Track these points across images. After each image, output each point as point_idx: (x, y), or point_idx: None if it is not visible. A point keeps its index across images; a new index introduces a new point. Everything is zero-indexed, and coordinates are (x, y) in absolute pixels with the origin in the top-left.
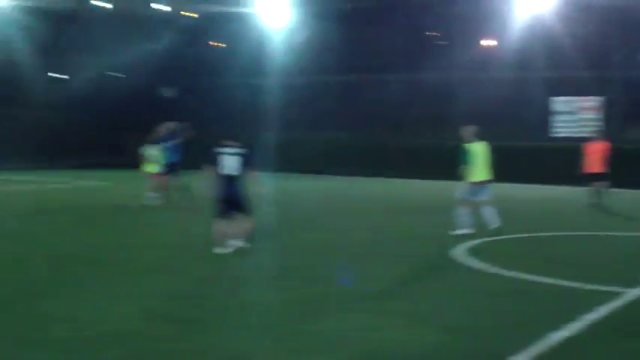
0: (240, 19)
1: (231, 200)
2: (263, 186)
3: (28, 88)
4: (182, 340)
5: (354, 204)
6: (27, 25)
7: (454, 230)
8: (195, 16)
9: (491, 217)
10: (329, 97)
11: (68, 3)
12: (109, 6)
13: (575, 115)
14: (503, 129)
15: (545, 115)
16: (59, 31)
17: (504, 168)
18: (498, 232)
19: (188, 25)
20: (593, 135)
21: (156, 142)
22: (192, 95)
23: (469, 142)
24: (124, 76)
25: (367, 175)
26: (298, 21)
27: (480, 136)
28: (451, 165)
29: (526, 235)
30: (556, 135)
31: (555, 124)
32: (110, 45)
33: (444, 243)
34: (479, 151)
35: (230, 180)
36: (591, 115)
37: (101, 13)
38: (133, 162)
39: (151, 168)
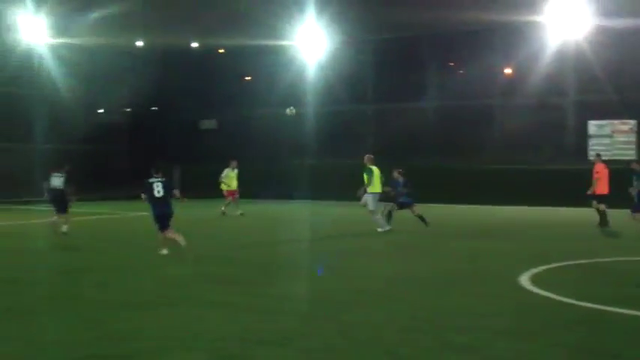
0: (271, 52)
1: (162, 215)
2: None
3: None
4: None
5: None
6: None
7: (378, 229)
8: (222, 51)
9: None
10: (361, 125)
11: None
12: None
13: (611, 138)
14: (542, 153)
15: (582, 139)
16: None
17: (547, 191)
18: (555, 258)
19: (218, 60)
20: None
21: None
22: (229, 127)
23: (370, 164)
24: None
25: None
26: (330, 51)
27: (375, 163)
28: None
29: (587, 260)
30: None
31: (591, 148)
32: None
33: (504, 269)
34: (376, 172)
35: (159, 201)
36: (627, 137)
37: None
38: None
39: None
